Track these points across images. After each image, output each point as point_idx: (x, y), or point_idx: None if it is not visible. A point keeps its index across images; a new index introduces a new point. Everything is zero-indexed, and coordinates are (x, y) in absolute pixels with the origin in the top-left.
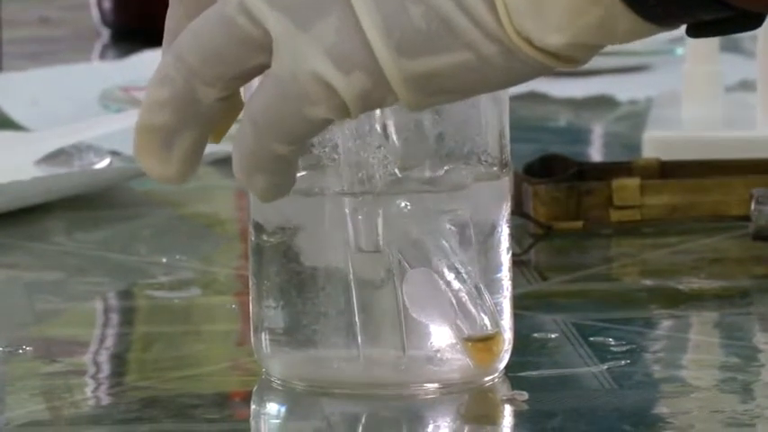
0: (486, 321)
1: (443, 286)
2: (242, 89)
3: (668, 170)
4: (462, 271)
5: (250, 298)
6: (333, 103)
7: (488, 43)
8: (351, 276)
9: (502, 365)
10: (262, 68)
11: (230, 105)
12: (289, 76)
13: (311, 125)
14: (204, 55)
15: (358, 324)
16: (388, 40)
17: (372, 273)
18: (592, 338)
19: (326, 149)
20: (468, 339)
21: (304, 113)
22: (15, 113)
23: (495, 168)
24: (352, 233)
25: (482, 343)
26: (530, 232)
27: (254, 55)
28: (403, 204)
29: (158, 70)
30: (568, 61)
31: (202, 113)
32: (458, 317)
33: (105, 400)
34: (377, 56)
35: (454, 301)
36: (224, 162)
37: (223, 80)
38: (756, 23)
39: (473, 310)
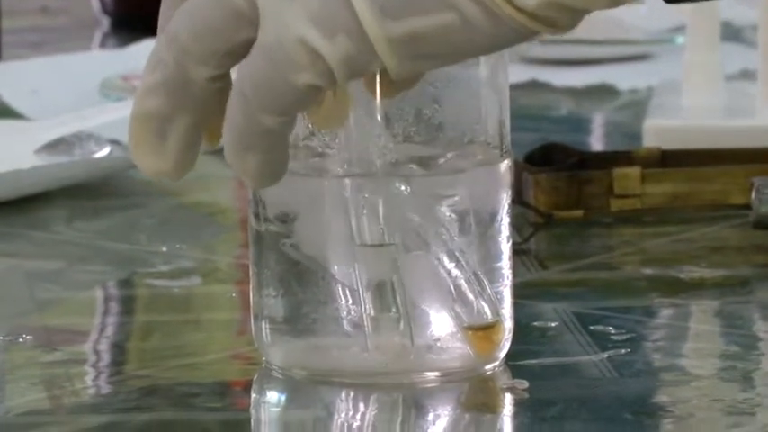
0: (487, 310)
1: (443, 273)
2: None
3: (669, 159)
4: (462, 259)
5: (250, 287)
6: (318, 69)
7: (471, 4)
8: (355, 268)
9: (502, 354)
10: (251, 43)
11: (222, 94)
12: (274, 44)
13: (299, 93)
14: (195, 31)
15: (363, 314)
16: (372, 2)
17: (377, 265)
18: (592, 327)
19: (326, 138)
20: (468, 328)
21: (291, 80)
22: (15, 102)
23: (495, 156)
24: (355, 227)
25: (482, 331)
26: (530, 221)
27: (244, 29)
28: (402, 188)
29: (151, 55)
30: (551, 24)
31: (195, 96)
32: (457, 305)
33: (105, 389)
34: (360, 18)
35: (453, 289)
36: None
37: (215, 57)
38: None
39: (473, 299)
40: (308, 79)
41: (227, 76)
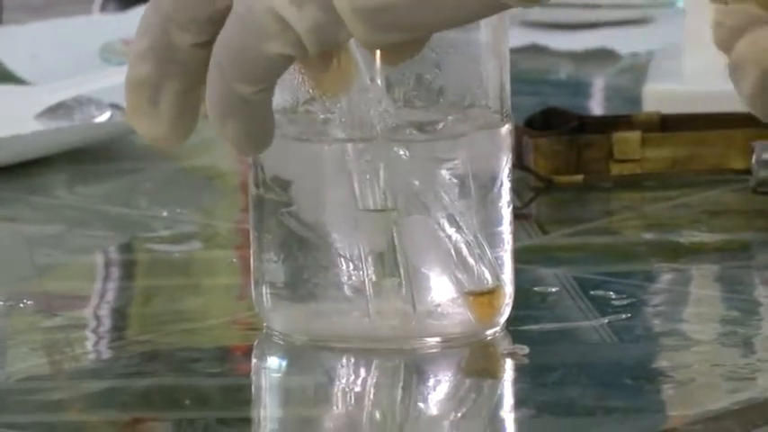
0: (487, 275)
1: (444, 237)
2: None
3: (669, 123)
4: (462, 224)
5: (251, 252)
6: (287, 38)
7: None
8: (356, 234)
9: (502, 319)
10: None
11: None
12: (246, 13)
13: (271, 62)
14: None
15: (365, 280)
16: None
17: (379, 230)
18: (592, 292)
19: (327, 103)
20: (469, 293)
21: (262, 49)
22: (16, 67)
23: (495, 121)
24: (358, 192)
25: (483, 297)
26: (530, 186)
27: None
28: (402, 152)
29: (141, 21)
30: None
31: (181, 61)
32: (458, 270)
33: (106, 354)
34: None
35: (454, 254)
36: None
37: (195, 23)
38: None
39: (473, 264)
40: (278, 48)
41: (213, 42)
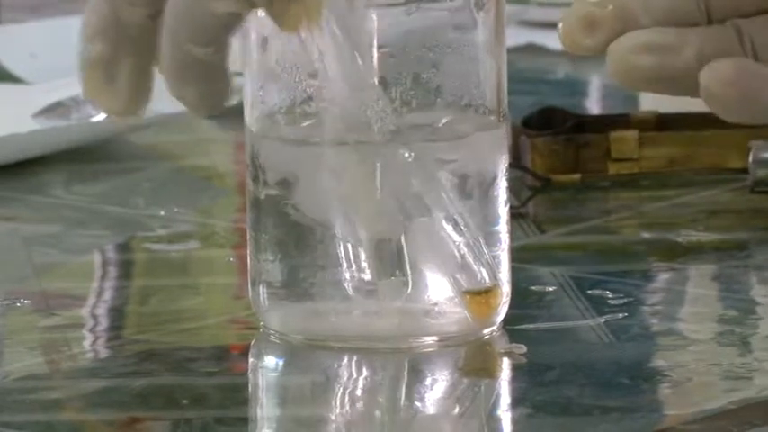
0: (485, 274)
1: (443, 237)
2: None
3: (666, 122)
4: (461, 223)
5: (248, 251)
6: None
7: None
8: (356, 232)
9: (500, 318)
10: None
11: None
12: None
13: (219, 21)
14: None
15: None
16: None
17: (380, 226)
18: (589, 291)
19: (324, 103)
20: (466, 292)
21: (211, 8)
22: (14, 66)
23: (492, 120)
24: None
25: (480, 296)
26: (528, 185)
27: None
28: (400, 155)
29: (89, 1)
30: None
31: (134, 37)
32: (456, 269)
33: (103, 354)
34: None
35: (456, 253)
36: (222, 115)
37: None
38: None
39: (471, 263)
40: (226, 6)
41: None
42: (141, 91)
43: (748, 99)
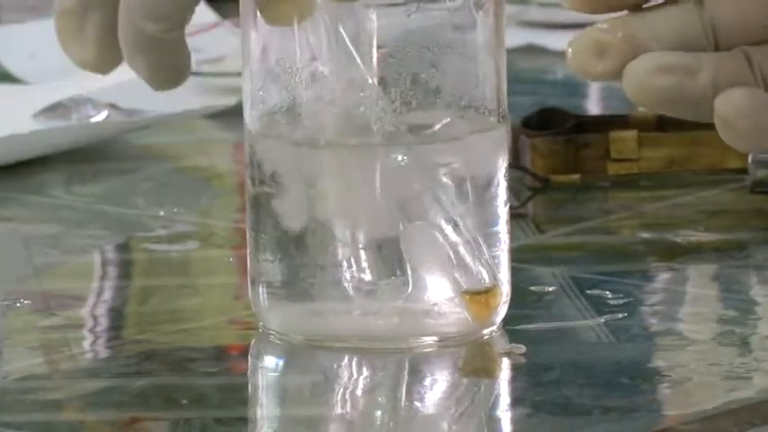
0: (484, 274)
1: (441, 239)
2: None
3: (665, 123)
4: (460, 224)
5: (247, 251)
6: None
7: None
8: (356, 232)
9: (499, 319)
10: None
11: None
12: None
13: (174, 1)
14: None
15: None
16: None
17: (377, 228)
18: (589, 291)
19: (324, 102)
20: (465, 292)
21: None
22: (14, 67)
23: (492, 121)
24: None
25: (479, 296)
26: (527, 185)
27: None
28: (400, 158)
29: None
30: None
31: None
32: (455, 269)
33: (103, 354)
34: None
35: (452, 254)
36: (221, 115)
37: None
38: None
39: (471, 264)
40: None
41: None
42: (110, 47)
43: (760, 130)
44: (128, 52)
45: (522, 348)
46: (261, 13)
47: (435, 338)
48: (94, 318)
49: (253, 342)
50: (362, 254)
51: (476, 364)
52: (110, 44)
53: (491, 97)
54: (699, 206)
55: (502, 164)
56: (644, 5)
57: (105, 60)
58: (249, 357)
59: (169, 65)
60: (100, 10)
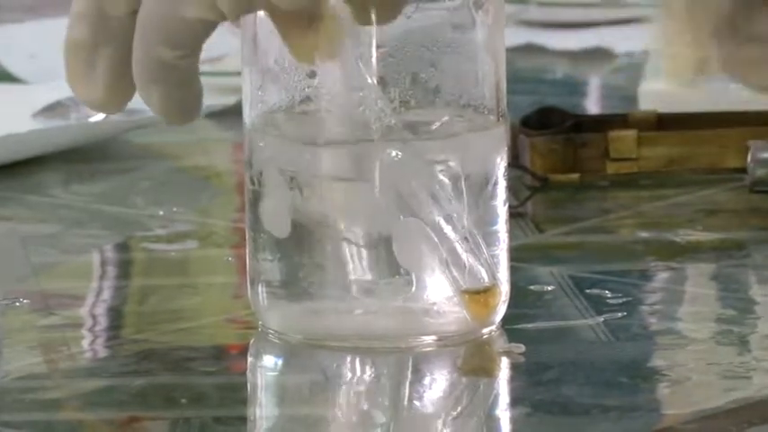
0: (483, 274)
1: (440, 237)
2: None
3: (665, 122)
4: (459, 223)
5: (247, 250)
6: (204, 2)
7: None
8: (355, 232)
9: (498, 318)
10: None
11: None
12: None
13: (190, 26)
14: None
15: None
16: None
17: (377, 225)
18: (588, 291)
19: (323, 102)
20: (465, 292)
21: (181, 14)
22: (13, 66)
23: (491, 120)
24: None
25: (479, 295)
26: (526, 184)
27: None
28: (399, 157)
29: None
30: None
31: (114, 29)
32: (454, 269)
33: (102, 353)
34: None
35: (451, 253)
36: (221, 114)
37: None
38: None
39: (469, 263)
40: (196, 12)
41: None
42: (119, 85)
43: None
44: (142, 83)
45: (522, 347)
46: (288, 47)
47: (435, 338)
48: (93, 317)
49: (252, 341)
50: (362, 253)
51: (475, 364)
52: (121, 81)
53: (490, 96)
54: (698, 205)
55: (501, 163)
56: None
57: (114, 99)
58: (248, 357)
59: (183, 97)
60: (113, 43)
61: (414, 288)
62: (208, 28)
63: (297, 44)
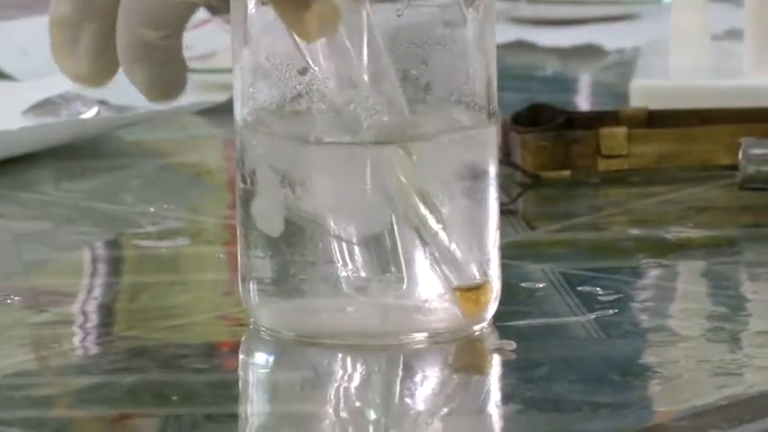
0: (474, 271)
1: (431, 234)
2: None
3: (655, 119)
4: (450, 220)
5: (238, 248)
6: None
7: None
8: (348, 229)
9: (489, 315)
10: None
11: None
12: None
13: (173, 8)
14: None
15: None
16: None
17: (368, 223)
18: (579, 288)
19: (314, 99)
20: (456, 289)
21: None
22: (4, 63)
23: (482, 117)
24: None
25: (470, 292)
26: (517, 181)
27: None
28: (390, 152)
29: None
30: None
31: (99, 5)
32: (446, 265)
33: (93, 350)
34: None
35: (442, 250)
36: (211, 111)
37: None
38: None
39: (462, 260)
40: None
41: None
42: (103, 60)
43: None
44: (126, 62)
45: (513, 345)
46: (287, 26)
47: (426, 335)
48: (84, 314)
49: (243, 339)
50: (354, 250)
51: (466, 361)
52: (104, 56)
53: (481, 93)
54: (688, 203)
55: (492, 160)
56: None
57: (98, 73)
58: (239, 354)
59: (166, 75)
60: (97, 20)
61: (405, 285)
62: (190, 9)
63: (294, 23)
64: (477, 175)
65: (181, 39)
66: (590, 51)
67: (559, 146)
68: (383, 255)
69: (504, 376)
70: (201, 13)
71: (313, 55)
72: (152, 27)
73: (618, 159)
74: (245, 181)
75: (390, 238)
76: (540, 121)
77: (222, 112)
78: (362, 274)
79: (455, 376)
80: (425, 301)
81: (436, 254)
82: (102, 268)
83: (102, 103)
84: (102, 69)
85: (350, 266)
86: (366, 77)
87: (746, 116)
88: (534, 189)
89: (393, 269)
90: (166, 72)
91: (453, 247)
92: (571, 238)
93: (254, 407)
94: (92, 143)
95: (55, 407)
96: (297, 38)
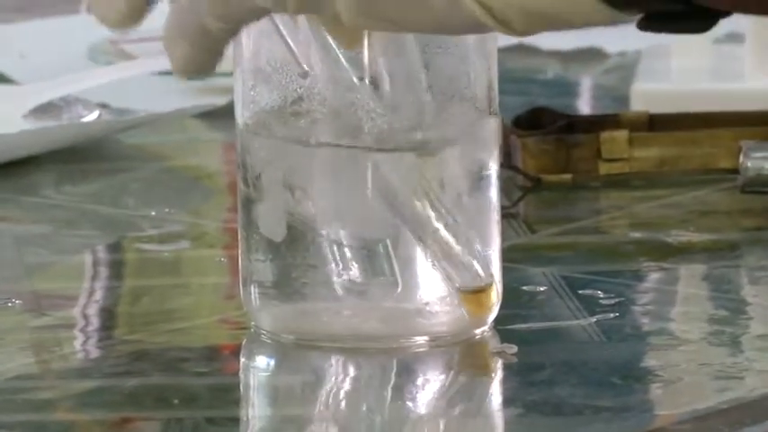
0: (481, 272)
1: (435, 237)
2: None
3: (657, 122)
4: (452, 223)
5: (239, 251)
6: None
7: None
8: (346, 232)
9: (491, 318)
10: None
11: None
12: None
13: (248, 10)
14: None
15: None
16: None
17: (368, 228)
18: (580, 291)
19: (315, 102)
20: (462, 290)
21: None
22: (4, 67)
23: (483, 120)
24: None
25: (476, 294)
26: (518, 185)
27: None
28: (391, 155)
29: None
30: (504, 24)
31: None
32: (451, 267)
33: (94, 354)
34: None
35: (441, 254)
36: (212, 115)
37: None
38: (709, 24)
39: (467, 262)
40: (263, 2)
41: None
42: (136, 4)
43: None
44: (171, 33)
45: (514, 348)
46: (333, 37)
47: (427, 338)
48: (86, 318)
49: (244, 342)
50: (355, 254)
51: (467, 364)
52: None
53: (482, 97)
54: (690, 206)
55: (493, 163)
56: None
57: (130, 16)
58: (240, 357)
59: (204, 58)
60: None
61: (399, 289)
62: (265, 13)
63: (334, 31)
64: (479, 178)
65: (236, 33)
66: (591, 54)
67: (560, 149)
68: (384, 258)
69: (505, 380)
70: None
71: (313, 58)
72: (219, 19)
73: (619, 163)
74: (246, 184)
75: (385, 242)
76: (542, 125)
77: (223, 115)
78: (363, 278)
79: (456, 380)
80: (426, 304)
81: (440, 256)
82: (103, 271)
83: (102, 106)
84: (137, 10)
85: (346, 270)
86: (367, 82)
87: (748, 119)
88: (535, 192)
89: (394, 273)
90: (205, 56)
91: (458, 249)
92: (572, 242)
93: (256, 410)
94: (93, 146)
95: (56, 410)
96: (293, 44)
